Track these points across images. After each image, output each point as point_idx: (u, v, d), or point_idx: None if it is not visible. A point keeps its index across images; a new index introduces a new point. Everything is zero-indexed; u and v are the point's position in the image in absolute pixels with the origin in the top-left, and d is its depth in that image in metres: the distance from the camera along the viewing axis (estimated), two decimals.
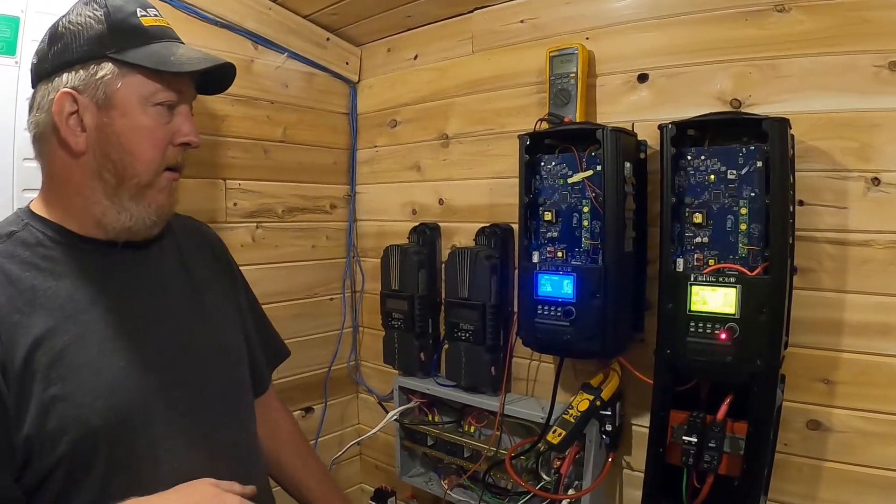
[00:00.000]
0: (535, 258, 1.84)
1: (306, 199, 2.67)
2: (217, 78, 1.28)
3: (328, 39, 2.70)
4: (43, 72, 1.16)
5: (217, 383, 1.32)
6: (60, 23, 1.16)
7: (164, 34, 1.20)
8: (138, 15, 1.17)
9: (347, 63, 2.80)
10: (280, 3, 2.46)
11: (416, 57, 2.60)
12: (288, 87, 2.60)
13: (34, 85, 1.18)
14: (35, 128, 1.16)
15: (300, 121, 2.65)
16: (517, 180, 1.87)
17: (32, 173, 1.38)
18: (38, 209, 1.19)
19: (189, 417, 1.22)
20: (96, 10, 1.15)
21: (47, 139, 1.16)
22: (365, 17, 2.54)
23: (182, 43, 1.24)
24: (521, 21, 2.21)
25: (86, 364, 1.09)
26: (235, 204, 2.40)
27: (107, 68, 1.12)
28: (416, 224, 2.50)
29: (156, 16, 1.21)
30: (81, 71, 1.12)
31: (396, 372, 2.48)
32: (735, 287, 1.50)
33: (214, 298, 1.42)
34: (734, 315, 1.49)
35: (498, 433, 2.11)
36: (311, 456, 1.76)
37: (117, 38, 1.13)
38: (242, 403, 1.41)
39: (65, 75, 1.13)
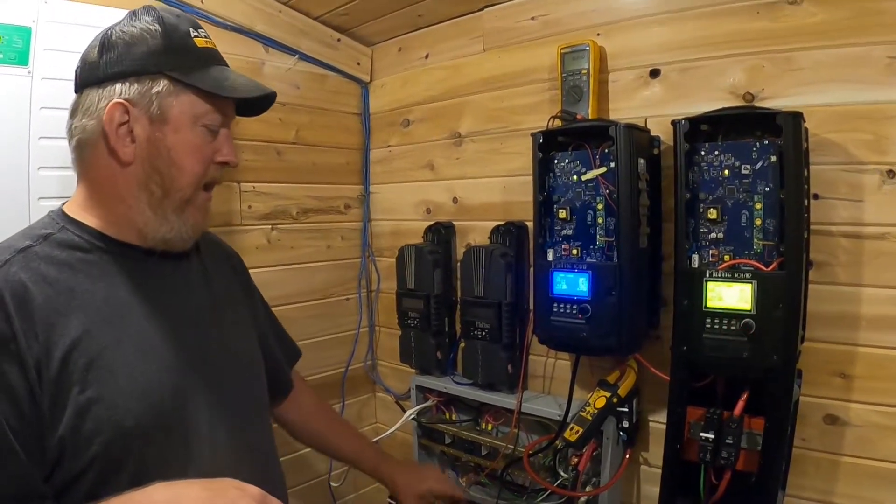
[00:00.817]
0: (550, 256, 1.84)
1: (320, 199, 2.68)
2: (256, 102, 1.30)
3: (339, 40, 2.70)
4: (93, 78, 1.17)
5: (238, 387, 1.35)
6: (114, 32, 1.18)
7: (214, 58, 1.25)
8: (192, 35, 1.22)
9: (359, 63, 2.81)
10: (290, 5, 2.47)
11: (427, 56, 2.60)
12: (299, 88, 2.61)
13: (79, 90, 1.20)
14: (81, 133, 1.18)
15: (312, 122, 2.66)
16: (531, 178, 1.87)
17: (48, 182, 1.40)
18: (75, 213, 1.21)
19: (216, 420, 1.25)
20: (151, 24, 1.18)
21: (93, 145, 1.18)
22: (376, 16, 2.54)
23: (227, 66, 1.29)
24: (532, 18, 2.21)
25: (122, 367, 1.12)
26: (250, 207, 2.41)
27: (162, 84, 1.16)
28: (431, 223, 2.50)
29: (206, 37, 1.26)
30: (136, 84, 1.15)
31: (413, 371, 2.49)
32: (751, 283, 1.49)
33: (233, 309, 1.46)
34: (750, 311, 1.49)
35: (515, 431, 2.10)
36: (339, 421, 1.97)
37: (173, 57, 1.17)
38: (260, 406, 1.45)
39: (118, 85, 1.15)
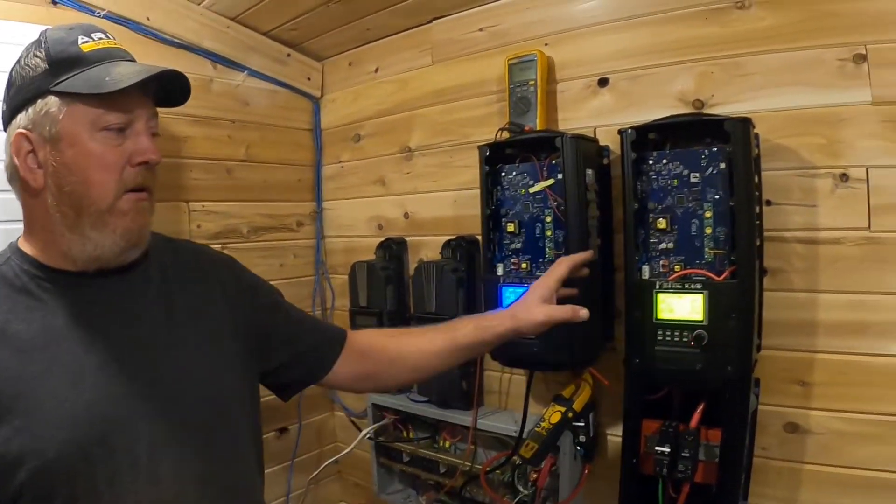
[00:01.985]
0: (500, 270, 1.82)
1: (272, 217, 2.64)
2: (176, 89, 1.25)
3: (289, 55, 2.67)
4: (5, 116, 1.18)
5: (191, 417, 1.25)
6: (14, 69, 1.17)
7: (107, 56, 1.17)
8: (79, 42, 1.16)
9: (309, 78, 2.78)
10: (239, 21, 2.43)
11: (377, 70, 2.58)
12: (249, 105, 2.57)
13: (5, 130, 1.19)
14: (6, 170, 1.18)
15: (263, 139, 2.62)
16: (480, 192, 1.85)
17: (8, 205, 1.35)
18: (22, 244, 1.21)
19: (153, 452, 1.17)
20: (37, 48, 1.15)
21: (14, 180, 1.18)
22: (325, 31, 2.52)
23: (130, 60, 1.21)
24: (481, 29, 2.19)
25: (50, 396, 1.08)
26: (199, 226, 2.37)
27: (51, 102, 1.12)
28: (383, 239, 2.48)
29: (100, 39, 1.19)
30: (30, 110, 1.13)
31: None
32: (702, 293, 1.47)
33: (203, 327, 1.34)
34: (702, 321, 1.47)
35: (472, 447, 2.08)
36: (410, 340, 1.64)
37: (57, 71, 1.13)
38: (223, 437, 1.32)
39: (18, 117, 1.14)
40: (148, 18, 2.15)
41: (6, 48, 1.49)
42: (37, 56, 1.14)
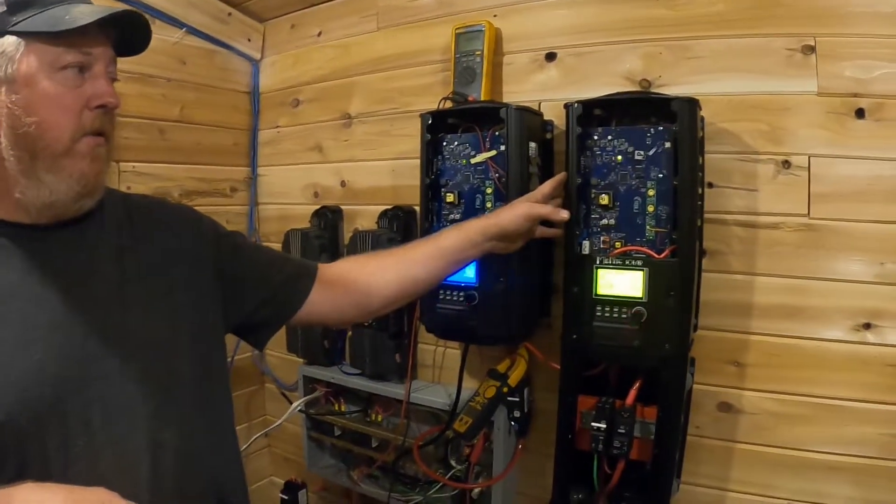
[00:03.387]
0: None
1: (205, 181, 2.57)
2: (136, 36, 1.20)
3: (230, 14, 2.59)
4: None
5: (146, 379, 1.20)
6: None
7: (97, 10, 1.12)
8: None
9: (250, 40, 2.70)
10: None
11: (319, 34, 2.52)
12: (186, 63, 2.49)
13: None
14: None
15: (199, 100, 2.55)
16: (419, 161, 1.83)
17: None
18: None
19: (108, 416, 1.14)
20: None
21: None
22: None
23: (87, 3, 1.16)
24: None
25: None
26: (129, 188, 2.27)
27: (7, 42, 1.08)
28: (318, 207, 2.43)
29: None
30: None
31: (301, 361, 2.41)
32: (642, 270, 1.48)
33: (160, 284, 1.29)
34: (642, 298, 1.48)
35: (405, 422, 2.06)
36: (389, 255, 1.58)
37: (14, 10, 1.09)
38: (182, 401, 1.27)
39: None
40: None
41: None
42: None
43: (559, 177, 1.59)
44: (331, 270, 1.51)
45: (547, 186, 1.57)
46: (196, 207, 2.32)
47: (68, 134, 1.10)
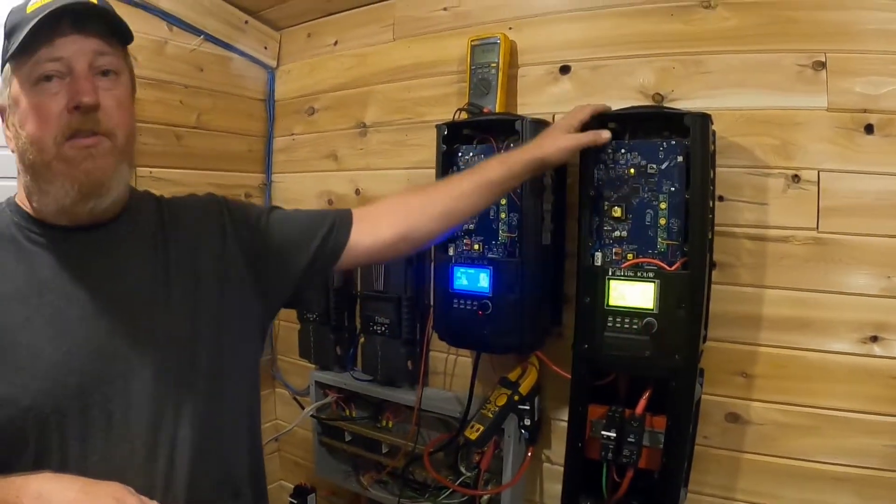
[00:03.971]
0: (451, 251, 1.82)
1: (220, 187, 2.56)
2: (113, 22, 1.18)
3: (247, 22, 2.62)
4: None
5: (168, 375, 1.21)
6: None
7: (42, 9, 1.10)
8: (27, 6, 1.13)
9: (266, 47, 2.73)
10: None
11: (336, 43, 2.54)
12: (203, 70, 2.52)
13: None
14: None
15: (215, 106, 2.57)
16: (434, 171, 1.85)
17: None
18: (18, 197, 1.23)
19: (128, 410, 1.15)
20: (3, 26, 1.16)
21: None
22: (285, 0, 2.48)
23: (70, 9, 1.13)
24: (445, 9, 2.18)
25: (28, 346, 1.09)
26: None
27: (6, 71, 1.15)
28: None
29: None
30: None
31: (313, 366, 2.43)
32: (654, 282, 1.50)
33: (188, 283, 1.28)
34: (652, 310, 1.49)
35: (416, 428, 2.07)
36: (436, 190, 1.56)
37: (9, 39, 1.14)
38: (201, 396, 1.26)
39: None
40: None
41: None
42: (2, 31, 1.17)
43: (598, 107, 1.60)
44: (372, 209, 1.52)
45: (585, 113, 1.57)
46: None
47: (49, 141, 1.11)
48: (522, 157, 1.51)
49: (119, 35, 1.20)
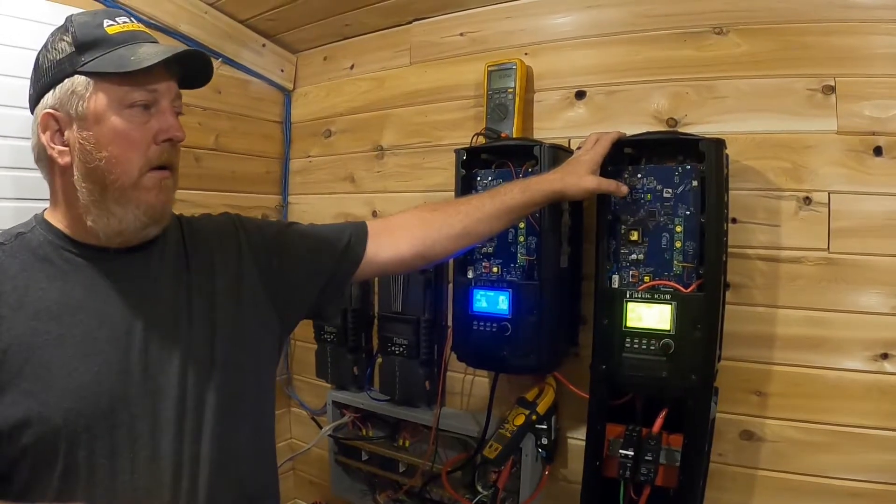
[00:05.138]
0: (470, 273, 1.84)
1: (238, 209, 2.54)
2: (198, 71, 1.27)
3: (264, 46, 2.66)
4: (32, 99, 1.20)
5: (194, 397, 1.24)
6: (40, 53, 1.19)
7: (131, 38, 1.19)
8: (105, 26, 1.17)
9: (283, 70, 2.77)
10: (217, 7, 2.41)
11: (352, 66, 2.58)
12: (221, 93, 2.56)
13: (32, 113, 1.21)
14: (34, 150, 1.20)
15: (233, 128, 2.61)
16: (452, 194, 1.87)
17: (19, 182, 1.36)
18: (48, 215, 1.23)
19: (155, 430, 1.18)
20: (64, 32, 1.17)
21: (42, 159, 1.20)
22: (303, 24, 2.52)
23: (153, 42, 1.22)
24: (461, 34, 2.21)
25: (60, 365, 1.11)
26: None
27: (77, 82, 1.14)
28: None
29: (124, 23, 1.20)
30: (58, 90, 1.14)
31: (329, 386, 2.45)
32: (670, 304, 1.52)
33: (209, 305, 1.32)
34: (669, 331, 1.52)
35: (433, 447, 2.09)
36: (456, 211, 1.56)
37: (84, 52, 1.15)
38: (229, 420, 1.30)
39: (45, 97, 1.16)
40: None
41: None
42: (63, 40, 1.16)
43: (615, 136, 1.61)
44: (392, 223, 1.55)
45: (606, 147, 1.59)
46: None
47: (136, 168, 1.16)
48: (543, 188, 1.53)
49: (188, 83, 1.27)
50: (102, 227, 1.17)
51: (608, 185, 1.56)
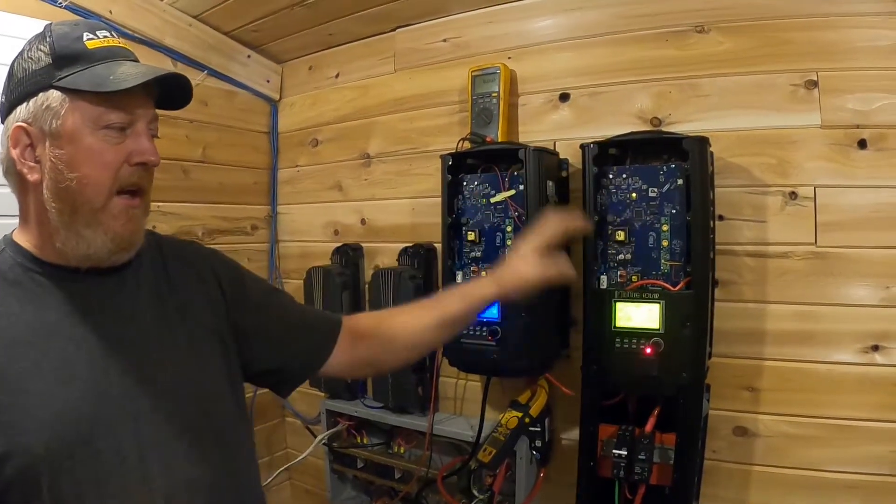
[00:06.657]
0: (459, 278, 1.85)
1: (227, 220, 2.62)
2: (177, 93, 1.23)
3: (249, 57, 2.67)
4: (3, 108, 1.16)
5: (181, 418, 1.23)
6: (15, 61, 1.15)
7: (111, 55, 1.15)
8: (84, 39, 1.14)
9: (269, 81, 2.78)
10: (201, 19, 2.42)
11: (337, 75, 2.59)
12: (207, 105, 2.56)
13: (2, 122, 1.17)
14: (2, 164, 1.17)
15: (220, 140, 2.61)
16: (439, 200, 1.88)
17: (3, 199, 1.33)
18: (17, 236, 1.19)
19: (142, 453, 1.16)
20: (41, 42, 1.13)
21: (11, 173, 1.15)
22: (287, 34, 2.52)
23: (133, 60, 1.19)
24: (444, 40, 2.22)
25: (38, 392, 1.07)
26: (154, 227, 2.31)
27: (52, 97, 1.10)
28: (339, 245, 2.48)
29: (105, 37, 1.17)
30: (31, 103, 1.11)
31: (323, 395, 2.45)
32: (659, 303, 1.53)
33: (194, 327, 1.31)
34: (658, 330, 1.53)
35: (428, 453, 2.09)
36: (399, 314, 1.56)
37: (61, 66, 1.11)
38: (213, 440, 1.29)
39: (18, 109, 1.12)
40: (110, 12, 2.13)
41: None
42: (40, 50, 1.13)
43: (573, 223, 1.49)
44: (352, 329, 1.51)
45: (554, 231, 1.46)
46: (218, 246, 2.42)
47: (106, 189, 1.12)
48: (482, 294, 1.47)
49: (166, 103, 1.23)
50: (71, 249, 1.14)
51: (552, 273, 1.44)
